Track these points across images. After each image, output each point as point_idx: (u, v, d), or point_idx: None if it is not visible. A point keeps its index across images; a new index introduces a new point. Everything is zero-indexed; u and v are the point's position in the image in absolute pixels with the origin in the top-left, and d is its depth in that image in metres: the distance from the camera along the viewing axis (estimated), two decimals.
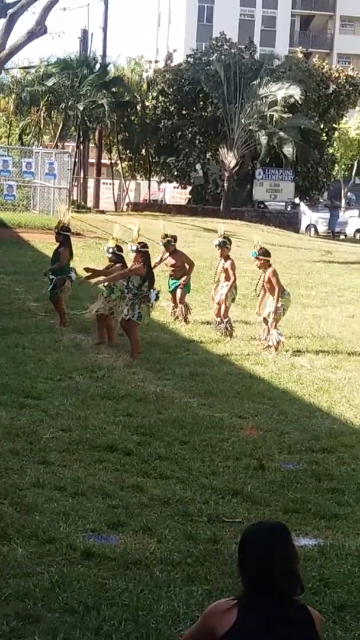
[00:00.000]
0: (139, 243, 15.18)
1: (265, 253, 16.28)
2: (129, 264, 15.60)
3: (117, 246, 15.85)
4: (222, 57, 48.75)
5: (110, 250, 15.79)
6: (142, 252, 15.15)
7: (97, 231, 34.88)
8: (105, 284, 15.82)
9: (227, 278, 17.29)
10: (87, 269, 16.53)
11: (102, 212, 45.35)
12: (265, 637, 4.29)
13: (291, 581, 4.38)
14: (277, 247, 34.82)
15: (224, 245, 17.50)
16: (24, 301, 19.33)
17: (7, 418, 10.75)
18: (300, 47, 63.48)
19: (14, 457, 9.36)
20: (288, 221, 48.66)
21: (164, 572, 6.85)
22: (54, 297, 16.95)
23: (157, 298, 15.44)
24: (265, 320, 16.19)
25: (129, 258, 15.44)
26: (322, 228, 53.10)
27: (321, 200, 57.66)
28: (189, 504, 8.39)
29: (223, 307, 17.18)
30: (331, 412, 12.20)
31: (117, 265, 15.68)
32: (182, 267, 18.40)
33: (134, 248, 15.10)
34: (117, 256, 15.81)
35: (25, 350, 14.63)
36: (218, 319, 17.29)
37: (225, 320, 17.11)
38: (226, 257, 17.43)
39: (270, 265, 16.14)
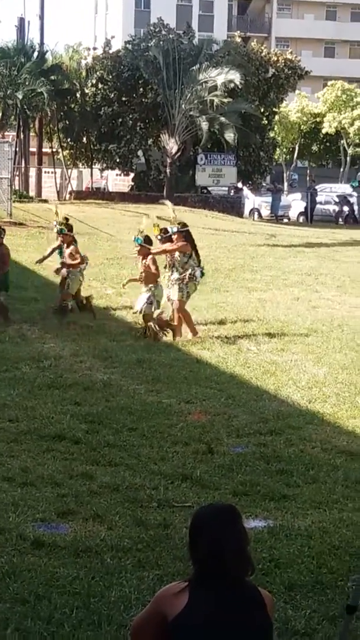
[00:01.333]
0: (179, 223, 15.66)
1: (148, 241, 15.80)
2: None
3: (163, 229, 16.06)
4: (161, 42, 48.60)
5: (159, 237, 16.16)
6: (183, 232, 15.63)
7: (40, 220, 34.65)
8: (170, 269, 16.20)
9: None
10: None
11: (45, 201, 45.04)
12: (216, 619, 4.32)
13: (242, 563, 4.40)
14: (220, 232, 34.98)
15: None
16: None
17: None
18: (239, 32, 63.35)
19: None
20: (231, 206, 48.76)
21: (115, 559, 6.87)
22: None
23: (202, 275, 15.94)
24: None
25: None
26: (266, 212, 53.27)
27: (264, 184, 57.83)
28: (139, 490, 8.41)
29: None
30: (278, 395, 12.27)
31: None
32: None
33: (174, 229, 15.58)
34: (167, 238, 16.13)
35: None
36: None
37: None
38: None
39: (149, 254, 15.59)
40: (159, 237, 16.01)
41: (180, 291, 15.62)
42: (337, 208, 53.24)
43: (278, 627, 5.78)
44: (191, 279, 15.69)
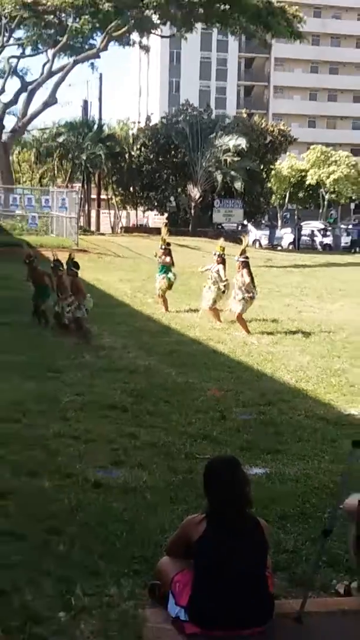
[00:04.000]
0: (242, 254, 16.36)
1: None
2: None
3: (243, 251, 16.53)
4: (187, 118, 48.74)
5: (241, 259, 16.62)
6: (245, 262, 16.27)
7: (99, 248, 34.82)
8: (211, 280, 16.97)
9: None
10: None
11: (102, 234, 45.22)
12: (227, 541, 4.35)
13: (244, 499, 4.42)
14: (231, 257, 34.68)
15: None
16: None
17: (36, 387, 10.72)
18: (245, 109, 63.42)
19: (41, 416, 9.35)
20: (239, 237, 48.61)
21: (153, 496, 6.86)
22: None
23: (254, 297, 16.28)
24: None
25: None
26: (265, 242, 53.12)
27: (263, 221, 57.73)
28: (171, 446, 8.39)
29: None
30: (274, 376, 12.22)
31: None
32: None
33: (241, 259, 16.28)
34: (221, 259, 17.13)
35: (48, 338, 14.60)
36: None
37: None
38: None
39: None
40: (219, 255, 17.24)
41: (242, 306, 15.95)
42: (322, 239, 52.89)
43: (273, 547, 5.77)
44: (252, 299, 16.15)
